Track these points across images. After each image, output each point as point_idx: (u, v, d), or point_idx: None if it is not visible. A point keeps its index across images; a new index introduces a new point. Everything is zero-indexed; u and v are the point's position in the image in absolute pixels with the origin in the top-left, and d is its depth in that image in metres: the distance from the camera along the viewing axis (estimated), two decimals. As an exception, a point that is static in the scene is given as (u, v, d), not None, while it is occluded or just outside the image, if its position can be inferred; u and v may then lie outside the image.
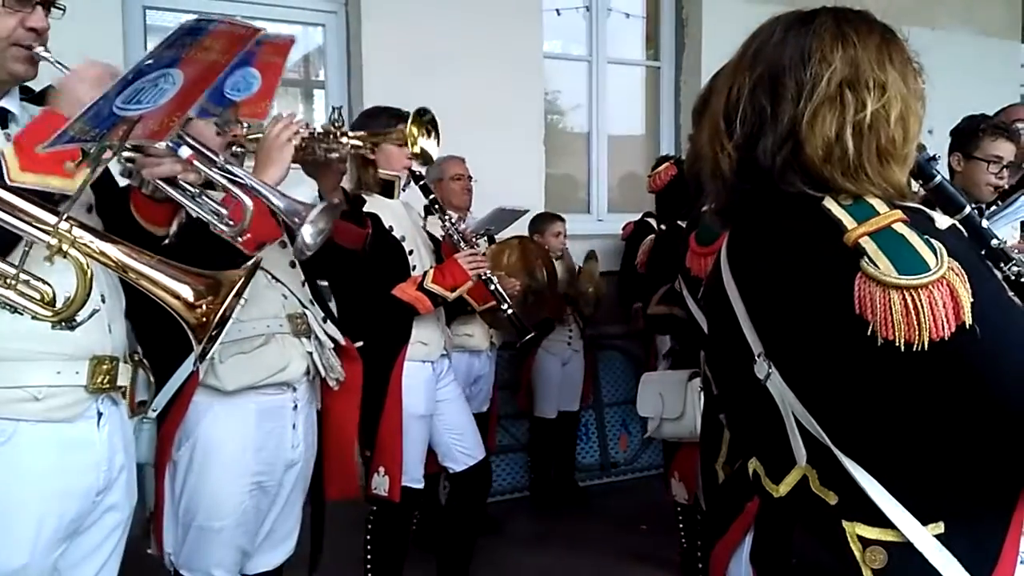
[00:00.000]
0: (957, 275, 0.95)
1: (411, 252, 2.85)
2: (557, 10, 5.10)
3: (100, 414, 1.62)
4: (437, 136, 2.23)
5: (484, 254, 3.12)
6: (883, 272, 0.96)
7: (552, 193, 4.85)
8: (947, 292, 0.94)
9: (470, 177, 3.72)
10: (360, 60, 4.19)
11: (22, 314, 1.28)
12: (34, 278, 1.28)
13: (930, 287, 0.94)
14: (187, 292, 1.31)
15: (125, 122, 1.20)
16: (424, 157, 2.24)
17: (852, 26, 1.10)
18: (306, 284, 2.26)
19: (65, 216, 1.24)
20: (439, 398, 2.95)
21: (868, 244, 0.99)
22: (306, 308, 2.19)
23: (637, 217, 4.31)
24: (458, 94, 4.26)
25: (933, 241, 0.98)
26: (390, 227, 2.79)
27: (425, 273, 2.81)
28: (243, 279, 1.36)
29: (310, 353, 2.15)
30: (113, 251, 1.29)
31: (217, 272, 1.36)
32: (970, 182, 2.88)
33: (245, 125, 1.98)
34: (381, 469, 2.73)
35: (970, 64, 5.49)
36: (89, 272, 1.23)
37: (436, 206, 3.04)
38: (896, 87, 1.07)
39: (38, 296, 1.28)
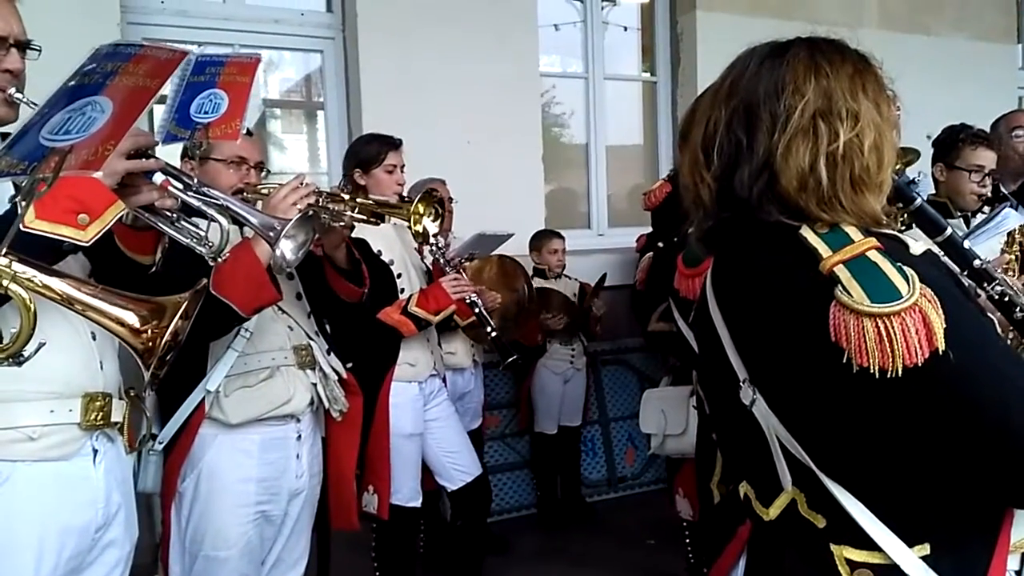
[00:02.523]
0: (929, 301, 0.96)
1: (399, 275, 2.91)
2: (555, 25, 5.13)
3: (96, 451, 1.63)
4: (441, 217, 2.28)
5: (469, 277, 3.16)
6: (856, 300, 0.97)
7: (553, 209, 4.85)
8: (919, 319, 0.95)
9: (451, 199, 3.76)
10: (358, 84, 4.21)
11: None
12: None
13: (902, 314, 0.95)
14: (132, 319, 1.31)
15: (56, 153, 1.19)
16: (423, 236, 2.28)
17: (825, 57, 1.11)
18: (312, 316, 2.29)
19: (3, 251, 1.22)
20: (431, 417, 2.98)
21: (842, 272, 1.00)
22: (311, 339, 2.21)
23: (641, 231, 4.30)
24: (456, 114, 4.29)
25: (906, 268, 0.99)
26: (379, 251, 2.83)
27: (410, 297, 2.85)
28: (188, 302, 1.36)
29: (314, 384, 2.17)
30: (57, 284, 1.29)
31: (161, 297, 1.36)
32: (954, 192, 2.91)
33: (265, 171, 1.98)
34: (371, 488, 2.78)
35: (967, 69, 5.48)
36: (32, 307, 1.22)
37: (424, 230, 3.07)
38: (869, 116, 1.08)
39: None
